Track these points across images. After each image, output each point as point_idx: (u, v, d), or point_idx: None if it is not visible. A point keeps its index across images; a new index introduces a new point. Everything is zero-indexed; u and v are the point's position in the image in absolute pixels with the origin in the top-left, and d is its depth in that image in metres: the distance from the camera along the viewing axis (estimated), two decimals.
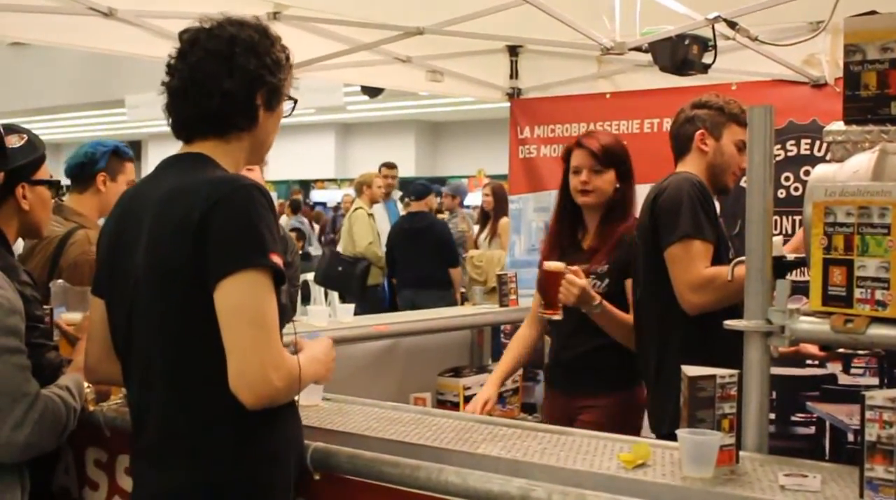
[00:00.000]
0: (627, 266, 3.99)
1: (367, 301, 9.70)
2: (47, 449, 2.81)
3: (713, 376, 2.53)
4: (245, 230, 2.32)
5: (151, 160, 27.49)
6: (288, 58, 2.61)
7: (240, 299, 2.29)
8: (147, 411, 2.51)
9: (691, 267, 3.54)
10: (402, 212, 10.94)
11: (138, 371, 2.52)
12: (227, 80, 2.49)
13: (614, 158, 4.16)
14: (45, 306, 3.22)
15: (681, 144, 3.90)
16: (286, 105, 2.65)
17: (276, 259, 2.34)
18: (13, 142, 3.17)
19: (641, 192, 3.97)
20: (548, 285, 3.91)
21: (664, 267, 3.63)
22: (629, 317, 3.96)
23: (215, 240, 2.32)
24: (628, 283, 4.01)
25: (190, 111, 2.53)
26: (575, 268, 3.92)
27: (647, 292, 3.80)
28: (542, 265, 3.98)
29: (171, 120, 2.58)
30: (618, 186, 4.15)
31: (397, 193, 11.58)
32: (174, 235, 2.36)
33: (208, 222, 2.32)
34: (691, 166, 3.83)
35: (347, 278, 10.23)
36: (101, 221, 3.64)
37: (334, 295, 11.14)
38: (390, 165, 11.48)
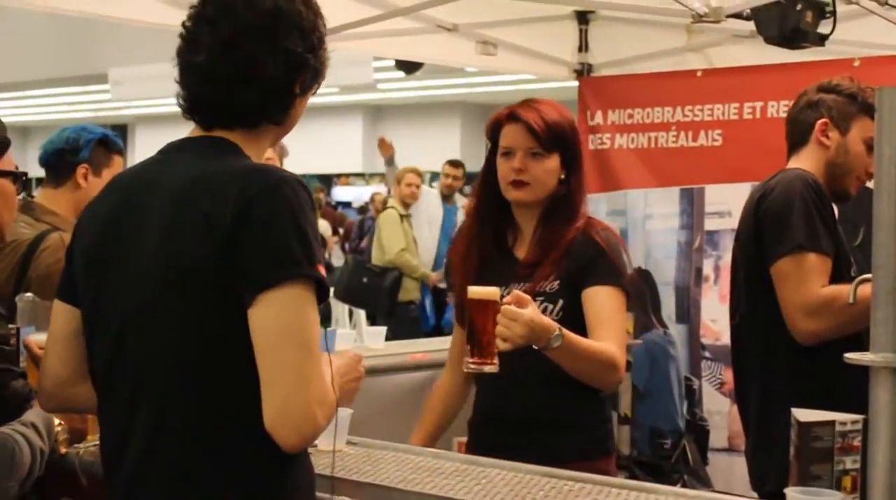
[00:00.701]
0: (581, 274, 3.58)
1: (399, 321, 9.73)
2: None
3: (832, 423, 2.51)
4: (291, 233, 2.33)
5: (139, 148, 27.75)
6: (324, 24, 2.59)
7: (285, 318, 2.30)
8: (130, 453, 2.49)
9: (804, 286, 3.52)
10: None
11: (124, 401, 2.50)
12: (270, 65, 2.47)
13: (560, 137, 3.69)
14: (11, 326, 3.24)
15: (797, 132, 3.88)
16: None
17: (322, 271, 2.36)
18: None
19: (742, 191, 3.94)
20: (476, 321, 3.27)
21: (769, 285, 3.61)
22: (596, 345, 3.47)
23: (255, 243, 2.32)
24: (587, 295, 3.57)
25: (217, 96, 2.50)
26: (516, 292, 3.33)
27: (748, 316, 3.78)
28: (466, 292, 3.36)
29: (184, 99, 2.56)
30: (562, 176, 3.71)
31: (461, 199, 11.56)
32: (199, 234, 2.35)
33: (246, 220, 2.32)
34: (806, 162, 3.81)
35: (373, 293, 10.26)
36: None
37: (360, 314, 11.18)
38: (455, 163, 11.53)
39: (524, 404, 3.64)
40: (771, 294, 3.61)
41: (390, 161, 12.90)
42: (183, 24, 2.56)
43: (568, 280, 3.60)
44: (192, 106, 2.56)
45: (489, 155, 3.78)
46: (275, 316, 2.30)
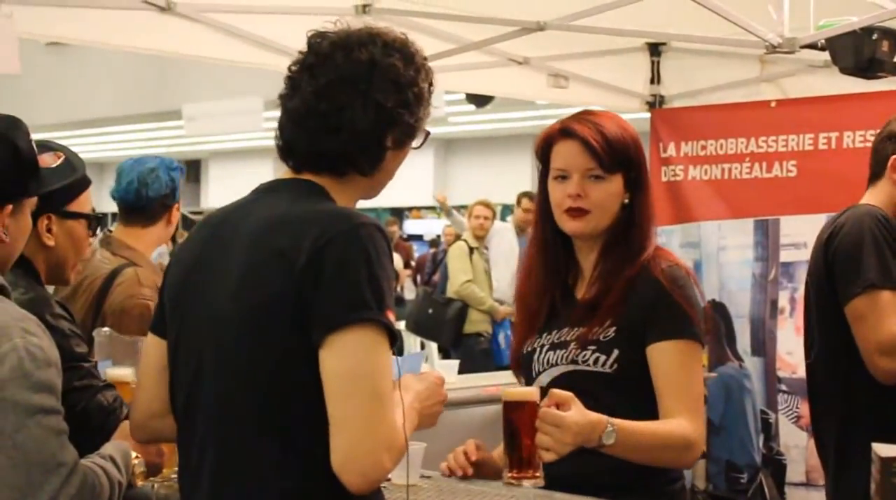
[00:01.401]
0: (644, 325, 3.10)
1: (467, 353, 9.73)
2: None
3: None
4: (365, 276, 2.34)
5: (213, 184, 28.05)
6: (431, 86, 2.61)
7: (354, 362, 2.31)
8: (200, 492, 2.50)
9: (880, 324, 3.49)
10: None
11: (198, 438, 2.52)
12: (359, 116, 2.49)
13: (622, 155, 3.19)
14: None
15: (876, 164, 3.83)
16: (418, 138, 2.66)
17: (392, 318, 2.37)
18: (48, 162, 3.17)
19: (817, 222, 3.91)
20: (514, 427, 2.91)
21: (844, 323, 3.57)
22: (662, 428, 3.03)
23: (328, 282, 2.33)
24: (652, 352, 3.08)
25: (307, 142, 2.53)
26: (555, 392, 2.86)
27: (823, 354, 3.73)
28: (502, 394, 2.97)
29: (280, 142, 2.59)
30: (626, 200, 3.22)
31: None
32: (275, 270, 2.37)
33: (321, 260, 2.34)
34: (879, 196, 3.75)
35: (438, 323, 10.25)
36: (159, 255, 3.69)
37: (432, 347, 11.19)
38: (531, 195, 11.54)
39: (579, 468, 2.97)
40: (845, 331, 3.57)
41: (449, 213, 13.01)
42: (288, 69, 2.59)
43: (628, 328, 3.10)
44: (285, 149, 2.59)
45: (541, 179, 3.28)
46: (344, 359, 2.31)
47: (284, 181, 2.60)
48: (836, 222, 3.69)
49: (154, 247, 4.33)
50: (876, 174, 3.81)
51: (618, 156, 3.16)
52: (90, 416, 3.00)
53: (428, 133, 2.66)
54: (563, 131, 3.20)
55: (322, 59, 2.53)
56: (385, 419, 2.32)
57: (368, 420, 2.30)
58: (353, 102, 2.49)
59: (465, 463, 3.22)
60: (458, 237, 11.32)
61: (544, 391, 3.00)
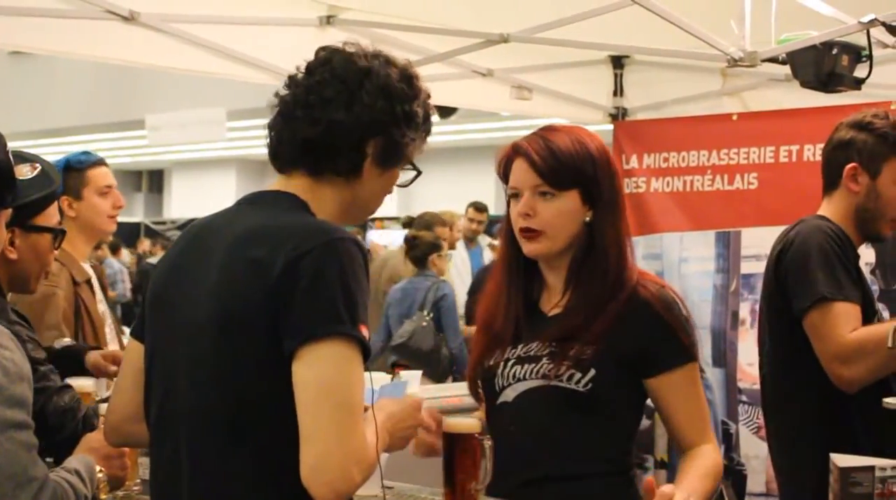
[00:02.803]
0: (643, 358, 3.02)
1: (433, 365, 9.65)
2: None
3: (871, 468, 2.48)
4: (339, 290, 2.35)
5: (175, 193, 27.93)
6: (427, 119, 2.65)
7: (325, 374, 2.32)
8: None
9: (834, 335, 3.49)
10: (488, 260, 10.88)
11: (171, 443, 2.51)
12: (342, 110, 2.52)
13: (574, 170, 3.05)
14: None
15: (829, 174, 3.80)
16: (406, 174, 2.68)
17: (366, 333, 2.37)
18: (24, 172, 3.13)
19: (778, 234, 3.89)
20: (454, 458, 2.92)
21: (795, 337, 3.59)
22: (706, 472, 2.96)
23: (303, 294, 2.34)
24: (657, 385, 3.04)
25: (290, 133, 2.56)
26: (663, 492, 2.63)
27: (775, 367, 3.75)
28: (443, 425, 2.97)
29: (270, 136, 2.62)
30: (588, 218, 3.10)
31: (484, 239, 11.56)
32: (250, 281, 2.38)
33: (296, 272, 2.34)
34: (834, 207, 3.75)
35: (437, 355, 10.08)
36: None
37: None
38: (480, 207, 11.47)
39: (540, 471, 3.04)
40: (796, 345, 3.59)
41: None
42: (289, 76, 2.63)
43: (613, 352, 2.99)
44: (274, 144, 2.61)
45: (507, 198, 3.18)
46: (316, 371, 2.31)
47: (265, 193, 2.62)
48: (787, 237, 3.69)
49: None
50: (830, 184, 3.79)
51: (567, 172, 3.03)
52: (47, 417, 2.99)
53: (419, 172, 2.69)
54: (514, 149, 3.13)
55: (323, 62, 2.58)
56: (356, 432, 2.32)
57: (338, 433, 2.30)
58: (340, 97, 2.52)
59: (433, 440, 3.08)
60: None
61: (505, 408, 3.06)
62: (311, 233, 2.40)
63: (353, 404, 2.32)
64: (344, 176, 2.57)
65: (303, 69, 2.60)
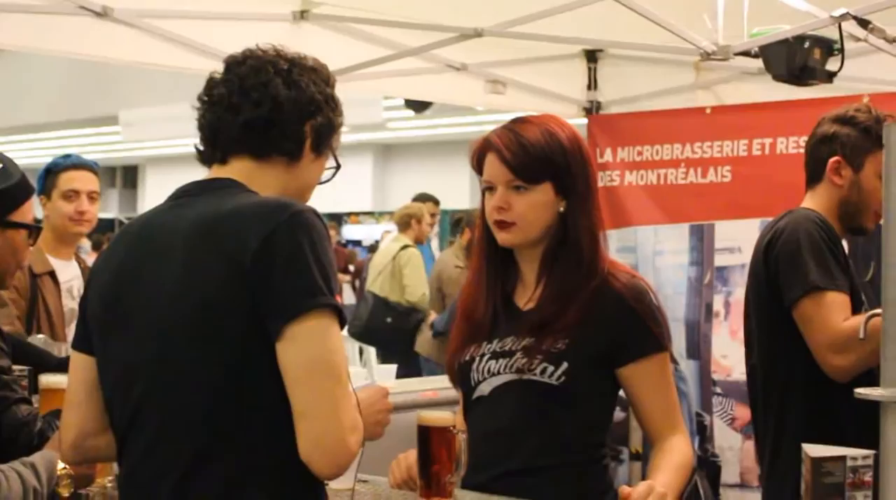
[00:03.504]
0: (612, 348, 3.07)
1: (411, 364, 9.62)
2: None
3: (843, 458, 2.50)
4: (313, 263, 2.36)
5: (150, 189, 27.83)
6: (339, 111, 2.67)
7: (314, 349, 2.33)
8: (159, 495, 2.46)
9: (827, 323, 3.51)
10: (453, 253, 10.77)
11: (148, 446, 2.47)
12: (283, 89, 2.55)
13: (546, 163, 3.08)
14: (18, 367, 3.24)
15: (812, 168, 3.83)
16: (328, 165, 2.68)
17: (339, 299, 2.38)
18: None
19: (752, 227, 3.92)
20: (429, 450, 2.95)
21: (784, 328, 3.60)
22: (678, 467, 3.03)
23: (278, 276, 2.34)
24: (627, 374, 3.08)
25: (231, 118, 2.55)
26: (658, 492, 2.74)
27: (762, 359, 3.76)
28: (417, 418, 3.00)
29: (203, 138, 2.61)
30: (561, 209, 3.13)
31: (433, 232, 11.48)
32: (222, 268, 2.37)
33: (268, 255, 2.34)
34: (818, 200, 3.78)
35: (396, 333, 10.02)
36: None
37: (370, 352, 11.06)
38: (437, 201, 11.36)
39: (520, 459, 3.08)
40: (784, 336, 3.60)
41: None
42: (210, 78, 2.64)
43: (584, 344, 3.04)
44: (210, 136, 2.60)
45: (482, 189, 3.22)
46: (303, 348, 2.33)
47: (201, 183, 2.60)
48: (776, 227, 3.70)
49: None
50: (813, 178, 3.82)
51: (538, 166, 3.07)
52: (2, 428, 2.96)
53: (338, 166, 2.70)
54: (486, 143, 3.17)
55: (250, 56, 2.61)
56: (349, 402, 2.35)
57: (334, 406, 2.32)
58: (276, 79, 2.55)
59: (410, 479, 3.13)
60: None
61: (481, 402, 3.10)
62: (272, 211, 2.40)
63: (342, 374, 2.35)
64: (288, 156, 2.58)
65: (221, 71, 2.62)
